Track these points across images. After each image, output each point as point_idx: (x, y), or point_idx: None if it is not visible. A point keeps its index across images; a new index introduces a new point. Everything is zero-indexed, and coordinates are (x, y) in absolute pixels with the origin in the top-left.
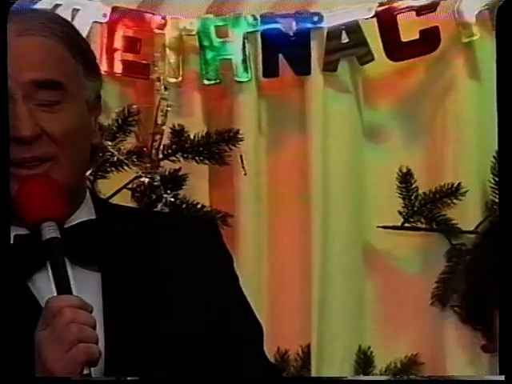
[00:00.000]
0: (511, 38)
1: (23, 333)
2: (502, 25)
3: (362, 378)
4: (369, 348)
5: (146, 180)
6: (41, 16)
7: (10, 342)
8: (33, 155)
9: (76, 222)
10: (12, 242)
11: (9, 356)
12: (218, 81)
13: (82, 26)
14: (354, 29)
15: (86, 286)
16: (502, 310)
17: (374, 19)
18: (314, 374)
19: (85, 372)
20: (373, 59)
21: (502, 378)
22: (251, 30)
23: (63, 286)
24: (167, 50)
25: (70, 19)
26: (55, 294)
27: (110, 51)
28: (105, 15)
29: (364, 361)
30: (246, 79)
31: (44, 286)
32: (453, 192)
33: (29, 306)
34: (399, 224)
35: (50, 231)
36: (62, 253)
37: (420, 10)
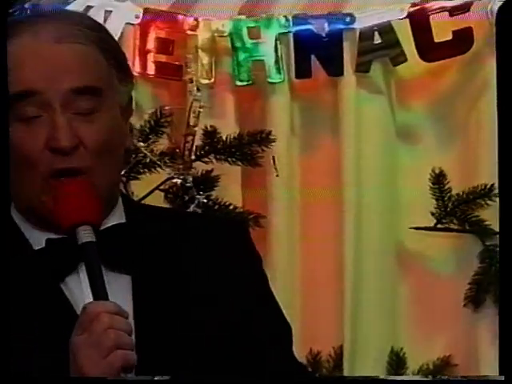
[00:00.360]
0: (511, 37)
1: (57, 336)
2: (502, 25)
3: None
4: (401, 349)
5: (179, 181)
6: (75, 21)
7: (10, 342)
8: (71, 166)
9: (107, 226)
10: (44, 245)
11: (9, 356)
12: (250, 82)
13: (115, 27)
14: (386, 30)
15: (117, 289)
16: (501, 309)
17: (407, 20)
18: (346, 375)
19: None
20: (406, 60)
21: (502, 378)
22: (283, 31)
23: (100, 291)
24: (200, 51)
25: (102, 21)
26: (91, 299)
27: (143, 53)
28: (137, 17)
29: (396, 362)
30: (278, 80)
31: (77, 289)
32: (486, 193)
33: (62, 309)
34: (432, 225)
35: (85, 235)
36: (98, 257)
37: (453, 11)
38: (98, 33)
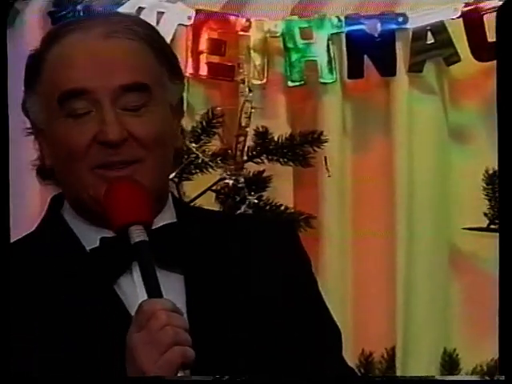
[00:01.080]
0: (511, 38)
1: (110, 337)
2: (502, 25)
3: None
4: (454, 350)
5: (231, 182)
6: (124, 19)
7: (10, 342)
8: (120, 159)
9: (158, 226)
10: (98, 244)
11: (9, 356)
12: (302, 82)
13: (167, 28)
14: (439, 29)
15: (169, 288)
16: (501, 309)
17: (460, 19)
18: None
19: (179, 374)
20: (459, 60)
21: (502, 378)
22: (336, 31)
23: (154, 289)
24: (252, 51)
25: (154, 22)
26: (145, 297)
27: (195, 54)
28: (189, 18)
29: (449, 363)
30: (330, 81)
31: (130, 290)
32: None
33: (115, 310)
34: (485, 226)
35: (138, 235)
36: (151, 256)
37: None
38: (147, 30)
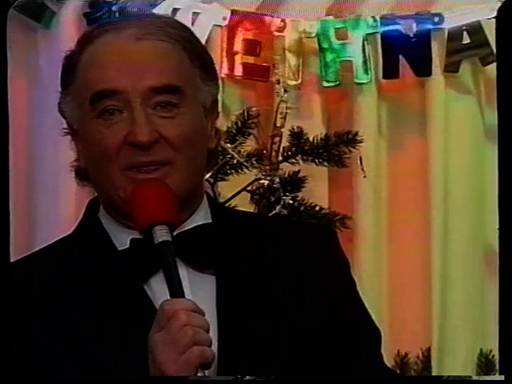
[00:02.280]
0: (511, 38)
1: (140, 335)
2: (502, 25)
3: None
4: (490, 351)
5: (266, 182)
6: (157, 20)
7: (11, 343)
8: (151, 160)
9: (192, 226)
10: (128, 245)
11: (9, 356)
12: (337, 83)
13: (202, 29)
14: (475, 29)
15: (201, 288)
16: (501, 310)
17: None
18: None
19: (199, 374)
20: (495, 60)
21: (502, 377)
22: (371, 31)
23: (176, 289)
24: (287, 52)
25: (190, 23)
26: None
27: (231, 54)
28: (224, 18)
29: (486, 364)
30: (365, 81)
31: (160, 290)
32: None
33: (145, 309)
34: None
35: (162, 235)
36: (174, 256)
37: None
38: (181, 32)
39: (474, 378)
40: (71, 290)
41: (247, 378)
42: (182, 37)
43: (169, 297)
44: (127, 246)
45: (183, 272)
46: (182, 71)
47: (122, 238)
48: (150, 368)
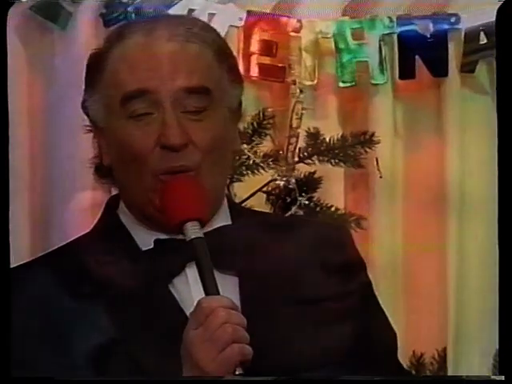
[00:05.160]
0: (511, 38)
1: (167, 336)
2: (502, 25)
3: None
4: None
5: (282, 183)
6: (187, 21)
7: (10, 343)
8: (181, 164)
9: (214, 228)
10: (152, 246)
11: (8, 356)
12: (353, 83)
13: (218, 30)
14: (492, 29)
15: (224, 290)
16: (501, 310)
17: None
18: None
19: (237, 372)
20: None
21: (502, 378)
22: (387, 32)
23: (211, 286)
24: (303, 52)
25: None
26: (200, 296)
27: (247, 55)
28: (241, 19)
29: None
30: (381, 81)
31: (184, 290)
32: None
33: (170, 309)
34: None
35: (194, 231)
36: (208, 253)
37: None
38: (209, 34)
39: (476, 378)
40: (92, 289)
41: (258, 378)
42: (210, 39)
43: (194, 295)
44: (151, 247)
45: None
46: (212, 73)
47: (145, 239)
48: (185, 365)
